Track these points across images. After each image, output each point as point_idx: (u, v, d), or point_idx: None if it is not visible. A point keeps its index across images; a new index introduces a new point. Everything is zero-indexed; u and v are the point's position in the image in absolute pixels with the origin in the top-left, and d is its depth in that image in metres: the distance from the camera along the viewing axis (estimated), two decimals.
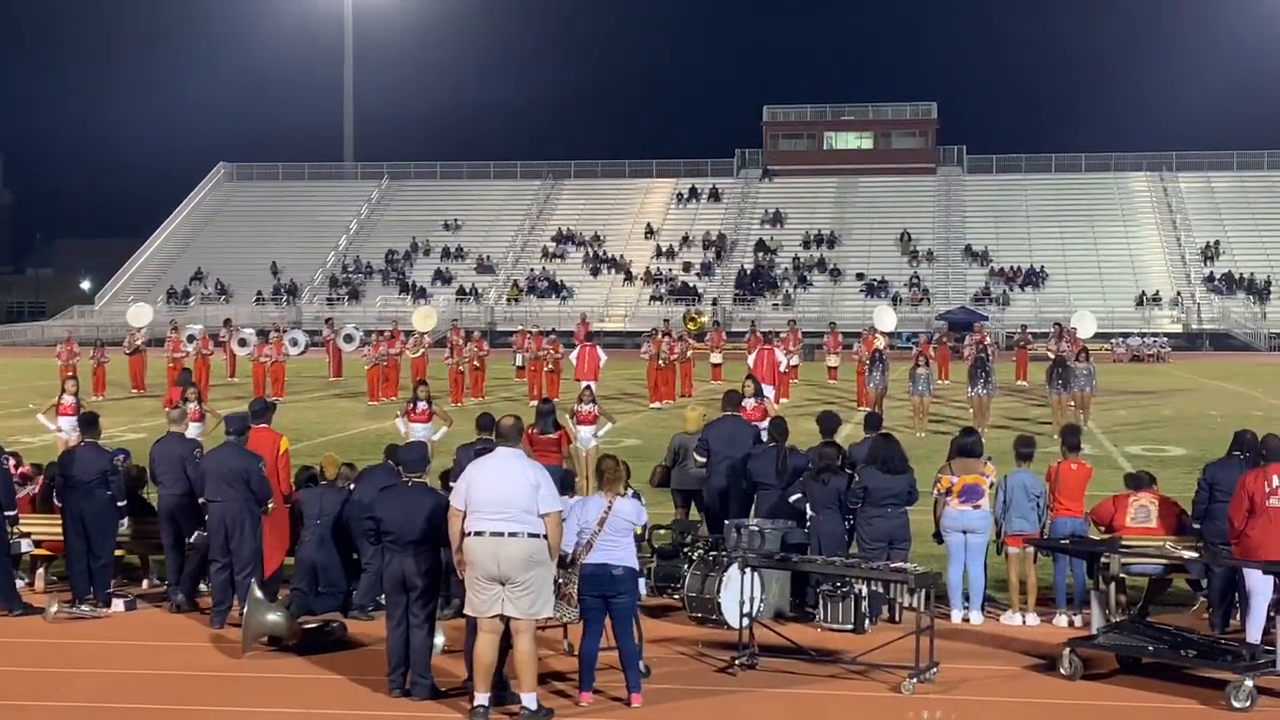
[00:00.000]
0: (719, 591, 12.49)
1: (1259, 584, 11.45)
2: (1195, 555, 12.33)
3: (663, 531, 14.08)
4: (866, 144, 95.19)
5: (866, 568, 11.85)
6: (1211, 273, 78.49)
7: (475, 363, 36.53)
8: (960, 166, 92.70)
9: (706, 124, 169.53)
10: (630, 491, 11.66)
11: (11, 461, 14.49)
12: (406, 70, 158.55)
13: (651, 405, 34.79)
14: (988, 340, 35.52)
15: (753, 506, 14.23)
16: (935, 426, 28.71)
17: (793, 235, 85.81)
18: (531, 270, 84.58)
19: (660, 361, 36.12)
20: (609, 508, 10.33)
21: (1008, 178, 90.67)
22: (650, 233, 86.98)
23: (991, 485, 13.17)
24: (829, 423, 14.42)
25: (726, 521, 13.90)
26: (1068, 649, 11.18)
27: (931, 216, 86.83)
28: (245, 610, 11.78)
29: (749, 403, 17.51)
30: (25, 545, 13.93)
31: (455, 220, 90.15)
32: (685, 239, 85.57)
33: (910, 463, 13.39)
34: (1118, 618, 12.02)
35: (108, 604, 13.30)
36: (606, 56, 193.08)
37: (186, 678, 11.13)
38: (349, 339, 47.20)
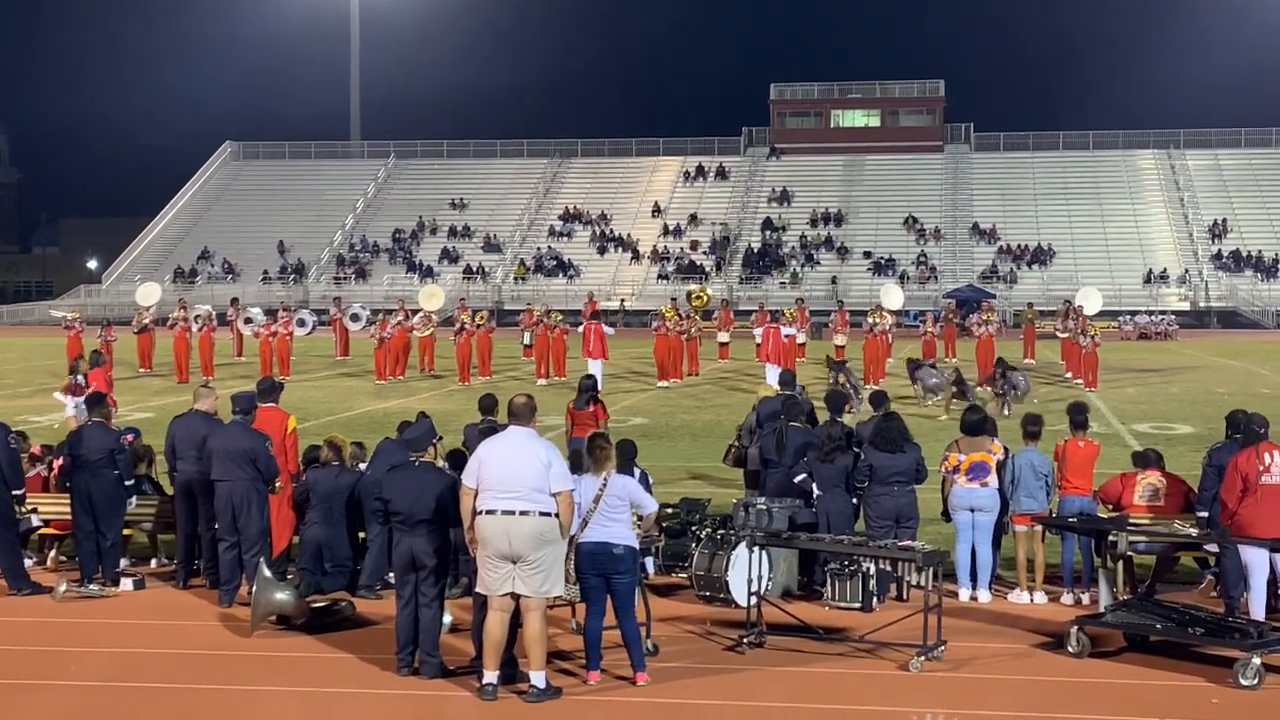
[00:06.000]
0: (727, 570, 12.49)
1: (1255, 560, 11.50)
2: (1204, 533, 12.31)
3: (670, 510, 14.08)
4: (874, 122, 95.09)
5: (874, 546, 11.81)
6: (1219, 250, 78.37)
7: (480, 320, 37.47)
8: (968, 144, 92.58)
9: (713, 102, 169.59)
10: (639, 472, 11.65)
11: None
12: (413, 49, 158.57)
13: (659, 384, 34.83)
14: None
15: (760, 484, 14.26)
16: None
17: (800, 213, 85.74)
18: (538, 249, 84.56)
19: (670, 332, 36.11)
20: (604, 484, 10.29)
21: (1015, 155, 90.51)
22: (657, 211, 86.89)
23: (999, 463, 13.16)
24: (836, 401, 14.44)
25: (734, 500, 13.91)
26: (1075, 627, 11.17)
27: (939, 194, 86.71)
28: (254, 589, 11.80)
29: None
30: (35, 520, 13.97)
31: (462, 199, 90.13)
32: (693, 218, 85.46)
33: (915, 440, 13.38)
34: (1125, 596, 12.02)
35: (116, 583, 13.31)
36: (613, 35, 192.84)
37: (195, 656, 11.14)
38: (356, 318, 47.19)
